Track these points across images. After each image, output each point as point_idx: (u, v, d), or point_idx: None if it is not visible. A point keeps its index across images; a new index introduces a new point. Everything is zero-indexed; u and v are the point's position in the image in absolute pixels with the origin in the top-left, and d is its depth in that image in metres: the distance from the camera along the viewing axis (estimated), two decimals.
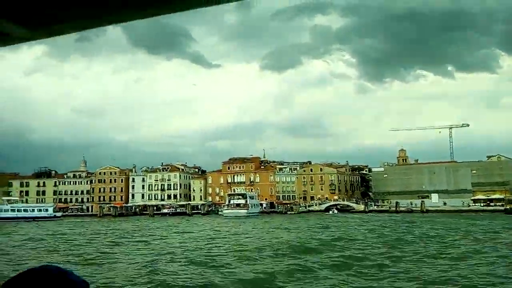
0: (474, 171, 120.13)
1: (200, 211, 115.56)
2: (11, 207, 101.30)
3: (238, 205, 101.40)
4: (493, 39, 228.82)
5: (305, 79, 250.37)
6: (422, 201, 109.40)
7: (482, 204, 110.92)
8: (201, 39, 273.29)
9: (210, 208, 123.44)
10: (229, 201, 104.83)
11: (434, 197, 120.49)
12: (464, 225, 54.29)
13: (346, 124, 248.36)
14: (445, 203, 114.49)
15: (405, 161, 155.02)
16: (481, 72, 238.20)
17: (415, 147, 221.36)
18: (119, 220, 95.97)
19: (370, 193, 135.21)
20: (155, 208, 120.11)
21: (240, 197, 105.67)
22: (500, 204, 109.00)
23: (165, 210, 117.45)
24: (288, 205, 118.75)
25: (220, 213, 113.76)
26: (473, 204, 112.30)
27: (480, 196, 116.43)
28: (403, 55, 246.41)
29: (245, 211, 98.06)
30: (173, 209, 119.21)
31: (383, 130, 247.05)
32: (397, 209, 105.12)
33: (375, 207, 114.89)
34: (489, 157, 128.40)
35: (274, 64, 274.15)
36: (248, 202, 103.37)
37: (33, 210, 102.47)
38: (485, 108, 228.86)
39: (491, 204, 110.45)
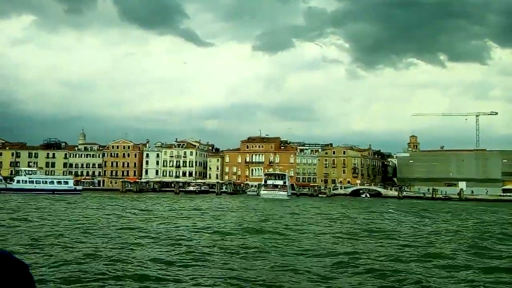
0: (505, 160, 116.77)
1: (226, 190, 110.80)
2: (29, 178, 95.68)
3: (275, 186, 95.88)
4: (487, 30, 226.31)
5: (297, 61, 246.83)
6: (461, 189, 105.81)
7: None
8: (194, 16, 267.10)
9: (236, 188, 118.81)
10: (265, 181, 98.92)
11: (462, 185, 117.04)
12: None
13: (335, 109, 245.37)
14: (472, 192, 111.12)
15: (416, 147, 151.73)
16: (472, 63, 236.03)
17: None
18: (151, 196, 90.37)
19: (395, 179, 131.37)
20: (181, 185, 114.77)
21: (278, 177, 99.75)
22: None
23: (191, 188, 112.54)
24: (317, 188, 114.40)
25: (250, 193, 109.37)
26: (503, 194, 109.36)
27: (510, 186, 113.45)
28: (396, 42, 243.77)
29: (285, 193, 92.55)
30: (198, 186, 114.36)
31: (372, 115, 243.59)
32: (434, 195, 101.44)
33: (404, 193, 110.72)
34: None
35: (266, 45, 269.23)
36: (287, 183, 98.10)
37: (52, 182, 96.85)
38: (473, 99, 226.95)
39: None
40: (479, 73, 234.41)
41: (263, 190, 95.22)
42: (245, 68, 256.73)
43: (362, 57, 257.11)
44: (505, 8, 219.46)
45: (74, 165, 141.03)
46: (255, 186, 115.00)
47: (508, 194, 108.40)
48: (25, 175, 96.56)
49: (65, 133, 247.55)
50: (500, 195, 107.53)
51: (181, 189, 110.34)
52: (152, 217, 37.97)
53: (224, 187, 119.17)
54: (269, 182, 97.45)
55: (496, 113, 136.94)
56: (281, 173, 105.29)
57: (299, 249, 21.35)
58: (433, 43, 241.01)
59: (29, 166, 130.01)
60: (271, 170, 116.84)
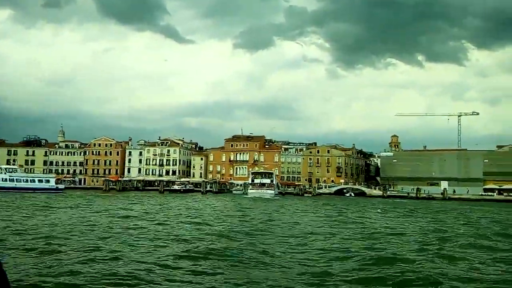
0: (486, 160, 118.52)
1: (211, 189, 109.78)
2: (9, 176, 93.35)
3: (263, 184, 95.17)
4: (465, 32, 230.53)
5: (278, 60, 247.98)
6: (444, 188, 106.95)
7: (494, 194, 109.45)
8: (174, 12, 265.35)
9: (221, 187, 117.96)
10: (252, 180, 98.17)
11: (444, 185, 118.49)
12: None
13: (316, 108, 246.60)
14: (454, 191, 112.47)
15: (398, 147, 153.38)
16: (449, 64, 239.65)
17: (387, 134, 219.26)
18: (137, 195, 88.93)
19: (378, 178, 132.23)
20: (165, 184, 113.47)
21: (265, 176, 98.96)
22: None
23: (176, 187, 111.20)
24: (302, 187, 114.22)
25: (235, 192, 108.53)
26: (484, 194, 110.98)
27: (491, 186, 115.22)
28: (376, 42, 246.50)
29: (272, 191, 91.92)
30: (183, 185, 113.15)
31: (352, 115, 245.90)
32: (418, 195, 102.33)
33: (388, 192, 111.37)
34: (499, 146, 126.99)
35: (247, 43, 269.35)
36: (274, 182, 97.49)
37: (33, 181, 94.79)
38: (451, 99, 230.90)
39: (504, 194, 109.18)
40: (457, 74, 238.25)
41: (250, 189, 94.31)
42: (226, 66, 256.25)
43: (342, 57, 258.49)
44: (482, 11, 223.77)
45: (54, 163, 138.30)
46: (241, 185, 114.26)
47: (490, 193, 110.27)
48: (5, 173, 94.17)
49: (44, 130, 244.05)
50: (482, 195, 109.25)
51: (165, 188, 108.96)
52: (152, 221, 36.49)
53: (208, 186, 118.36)
54: (256, 180, 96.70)
55: (478, 114, 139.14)
56: (268, 171, 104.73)
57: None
58: (412, 44, 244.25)
59: (8, 163, 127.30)
60: (257, 169, 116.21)
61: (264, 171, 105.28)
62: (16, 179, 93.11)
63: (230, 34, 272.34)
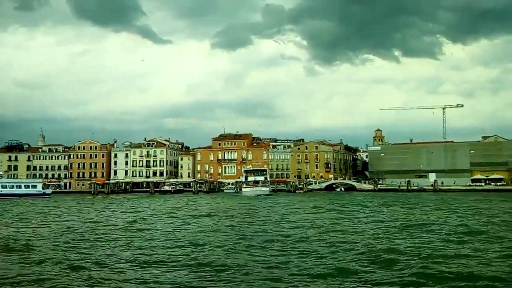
0: (473, 151, 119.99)
1: (202, 188, 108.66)
2: None
3: (257, 182, 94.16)
4: (439, 27, 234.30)
5: (256, 58, 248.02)
6: (435, 180, 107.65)
7: (483, 184, 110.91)
8: (150, 13, 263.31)
9: (211, 186, 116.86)
10: (246, 178, 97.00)
11: (432, 176, 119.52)
12: None
13: (295, 105, 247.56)
14: (442, 183, 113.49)
15: (381, 141, 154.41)
16: (425, 58, 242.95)
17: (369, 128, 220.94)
18: (129, 197, 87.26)
19: (366, 172, 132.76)
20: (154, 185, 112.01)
21: (259, 173, 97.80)
22: (500, 184, 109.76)
23: (166, 188, 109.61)
24: (293, 183, 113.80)
25: (227, 190, 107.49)
26: (472, 184, 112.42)
27: (478, 176, 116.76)
28: (352, 39, 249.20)
29: (267, 189, 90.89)
30: (174, 186, 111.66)
31: (331, 111, 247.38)
32: (409, 188, 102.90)
33: (379, 186, 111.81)
34: (484, 137, 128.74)
35: (225, 42, 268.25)
36: (268, 179, 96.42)
37: (19, 187, 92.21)
38: (426, 93, 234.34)
39: (492, 184, 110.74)
40: (432, 68, 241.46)
41: (244, 187, 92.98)
42: (204, 66, 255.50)
43: (319, 54, 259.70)
44: (454, 4, 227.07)
45: (38, 168, 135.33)
46: (232, 183, 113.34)
47: (478, 184, 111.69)
48: None
49: (20, 134, 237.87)
50: (470, 185, 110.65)
51: (156, 189, 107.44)
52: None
53: (197, 186, 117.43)
54: (250, 178, 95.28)
55: (462, 106, 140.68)
56: (261, 168, 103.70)
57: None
58: (388, 39, 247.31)
59: None
60: (249, 167, 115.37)
61: (257, 168, 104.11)
62: (2, 185, 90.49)
63: (207, 34, 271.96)
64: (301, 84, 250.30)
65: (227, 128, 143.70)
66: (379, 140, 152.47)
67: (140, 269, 16.36)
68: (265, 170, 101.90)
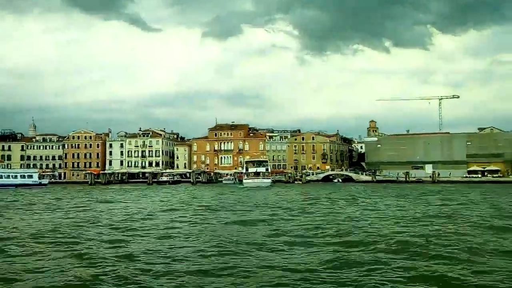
0: (469, 143, 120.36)
1: (200, 179, 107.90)
2: None
3: (257, 174, 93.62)
4: (429, 17, 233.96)
5: (247, 48, 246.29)
6: (433, 171, 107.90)
7: (479, 176, 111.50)
8: (139, 0, 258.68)
9: (209, 177, 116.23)
10: (247, 169, 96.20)
11: (428, 168, 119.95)
12: None
13: (284, 96, 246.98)
14: (439, 174, 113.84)
15: (376, 132, 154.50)
16: (414, 48, 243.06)
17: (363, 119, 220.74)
18: (125, 188, 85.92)
19: (363, 163, 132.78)
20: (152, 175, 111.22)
21: (260, 164, 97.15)
22: (497, 175, 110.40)
23: (164, 178, 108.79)
24: (291, 174, 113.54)
25: (226, 182, 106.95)
26: (469, 176, 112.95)
27: (475, 168, 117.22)
28: (343, 29, 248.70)
29: (269, 180, 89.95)
30: (171, 177, 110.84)
31: (320, 102, 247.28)
32: (407, 179, 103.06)
33: (376, 177, 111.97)
34: (480, 129, 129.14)
35: (215, 31, 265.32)
36: (269, 170, 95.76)
37: (15, 177, 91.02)
38: (416, 84, 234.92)
39: (488, 175, 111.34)
40: (422, 58, 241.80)
41: (245, 178, 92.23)
42: (195, 55, 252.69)
43: (310, 44, 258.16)
44: None
45: (32, 158, 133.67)
46: (231, 174, 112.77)
47: (474, 175, 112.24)
48: None
49: (10, 124, 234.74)
50: (466, 177, 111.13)
51: (153, 180, 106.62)
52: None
53: (195, 177, 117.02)
54: (251, 169, 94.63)
55: (458, 97, 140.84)
56: (262, 159, 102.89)
57: None
58: (379, 30, 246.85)
59: None
60: (247, 158, 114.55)
61: (258, 159, 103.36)
62: None
63: (198, 22, 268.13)
64: (292, 74, 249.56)
65: (219, 119, 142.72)
66: (373, 131, 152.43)
67: None
68: (266, 161, 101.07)
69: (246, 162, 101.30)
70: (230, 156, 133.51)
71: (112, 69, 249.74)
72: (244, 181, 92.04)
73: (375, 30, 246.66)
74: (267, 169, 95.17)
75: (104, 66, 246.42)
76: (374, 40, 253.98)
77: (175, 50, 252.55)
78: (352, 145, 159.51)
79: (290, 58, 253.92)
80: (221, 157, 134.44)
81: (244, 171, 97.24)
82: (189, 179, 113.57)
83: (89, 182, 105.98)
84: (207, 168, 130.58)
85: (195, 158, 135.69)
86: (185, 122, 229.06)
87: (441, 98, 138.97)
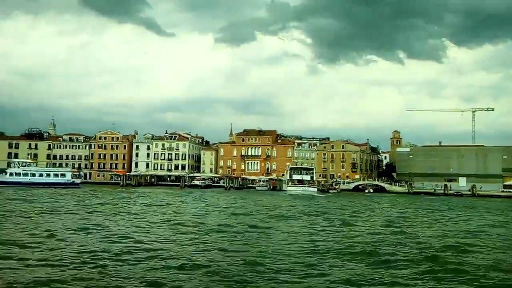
0: (506, 156, 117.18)
1: (233, 185, 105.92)
2: (23, 170, 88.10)
3: (301, 181, 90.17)
4: (444, 30, 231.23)
5: (258, 55, 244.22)
6: (473, 185, 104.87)
7: None
8: (155, 5, 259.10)
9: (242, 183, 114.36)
10: (291, 176, 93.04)
11: (462, 181, 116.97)
12: None
13: (294, 104, 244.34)
14: (481, 187, 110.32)
15: (399, 142, 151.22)
16: (428, 61, 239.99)
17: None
18: (157, 191, 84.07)
19: (394, 174, 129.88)
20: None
21: (305, 172, 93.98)
22: None
23: (197, 182, 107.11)
24: (324, 183, 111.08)
25: (259, 188, 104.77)
26: (505, 190, 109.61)
27: (511, 182, 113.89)
28: (357, 39, 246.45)
29: (315, 189, 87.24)
30: (204, 181, 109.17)
31: (330, 111, 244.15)
32: (446, 191, 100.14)
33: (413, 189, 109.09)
34: None
35: (228, 37, 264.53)
36: (315, 179, 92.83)
37: (48, 175, 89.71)
38: (427, 96, 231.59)
39: None
40: (435, 72, 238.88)
41: (290, 185, 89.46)
42: (207, 60, 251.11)
43: (323, 53, 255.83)
44: (461, 8, 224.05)
45: (58, 157, 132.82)
46: (263, 181, 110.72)
47: (509, 190, 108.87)
48: (18, 167, 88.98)
49: (23, 124, 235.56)
50: (503, 191, 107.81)
51: (185, 184, 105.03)
52: None
53: (221, 182, 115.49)
54: (295, 176, 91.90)
55: (493, 109, 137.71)
56: (308, 167, 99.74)
57: None
58: (392, 41, 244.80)
59: (9, 157, 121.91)
60: (290, 164, 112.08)
61: (303, 166, 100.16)
62: (31, 173, 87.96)
63: (211, 28, 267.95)
64: (302, 83, 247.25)
65: (229, 125, 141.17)
66: (396, 142, 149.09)
67: None
68: (312, 169, 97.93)
69: (291, 169, 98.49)
70: (257, 162, 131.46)
71: (123, 73, 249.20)
72: (287, 188, 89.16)
73: (389, 41, 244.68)
74: (312, 177, 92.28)
75: (117, 68, 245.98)
76: (387, 51, 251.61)
77: (188, 54, 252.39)
78: (381, 155, 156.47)
79: (302, 67, 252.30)
80: (248, 163, 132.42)
81: (288, 177, 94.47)
82: (218, 184, 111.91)
83: (121, 184, 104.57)
84: (234, 173, 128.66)
85: (221, 162, 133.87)
86: (193, 128, 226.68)
87: (475, 111, 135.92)
